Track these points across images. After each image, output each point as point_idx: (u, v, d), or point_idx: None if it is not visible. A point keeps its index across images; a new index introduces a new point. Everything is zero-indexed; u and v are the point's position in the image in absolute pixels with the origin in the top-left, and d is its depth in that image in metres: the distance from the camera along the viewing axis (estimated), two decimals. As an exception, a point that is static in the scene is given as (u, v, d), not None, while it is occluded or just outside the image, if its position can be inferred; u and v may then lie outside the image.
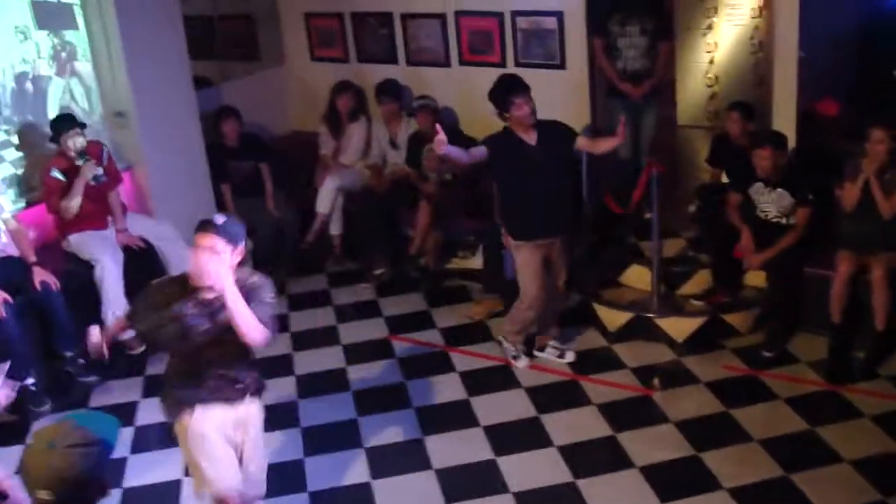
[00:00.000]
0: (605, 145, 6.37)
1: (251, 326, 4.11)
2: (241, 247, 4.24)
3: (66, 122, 6.79)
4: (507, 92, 6.27)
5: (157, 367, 6.96)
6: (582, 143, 6.37)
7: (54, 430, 2.76)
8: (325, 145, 8.63)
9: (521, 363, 6.65)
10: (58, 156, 6.78)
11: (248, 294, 4.18)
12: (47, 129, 6.85)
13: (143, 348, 6.84)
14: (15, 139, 6.99)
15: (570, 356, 6.68)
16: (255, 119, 8.80)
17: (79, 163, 6.71)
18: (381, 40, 8.96)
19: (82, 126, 6.82)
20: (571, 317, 7.03)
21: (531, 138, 6.22)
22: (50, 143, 6.80)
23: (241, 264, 4.27)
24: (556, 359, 6.67)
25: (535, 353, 6.73)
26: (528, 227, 6.28)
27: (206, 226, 4.18)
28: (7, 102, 6.90)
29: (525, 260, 6.33)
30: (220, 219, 4.23)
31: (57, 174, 6.73)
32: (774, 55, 7.29)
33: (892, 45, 8.43)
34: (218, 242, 4.12)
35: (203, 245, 4.12)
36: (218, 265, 4.09)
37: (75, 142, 6.69)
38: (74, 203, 6.73)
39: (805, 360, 6.41)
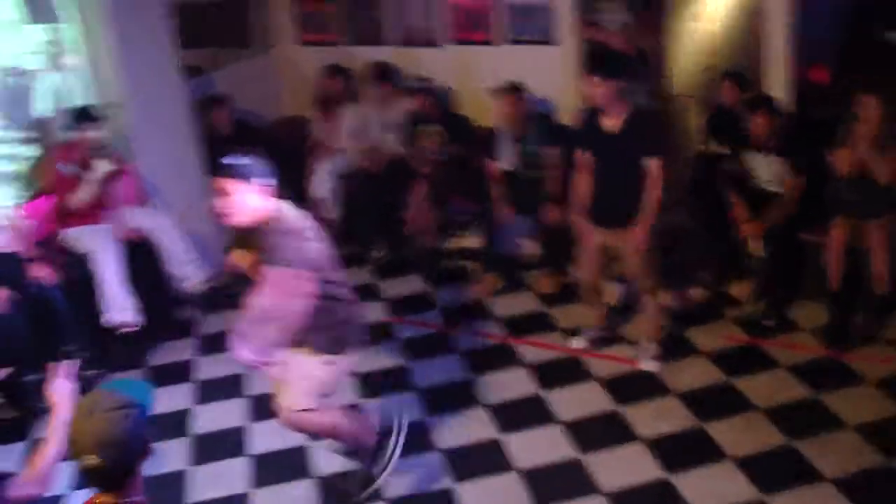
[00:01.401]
0: None
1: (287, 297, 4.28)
2: (259, 180, 4.35)
3: (85, 114, 6.80)
4: None
5: (157, 358, 7.01)
6: None
7: (91, 399, 2.84)
8: (317, 130, 8.62)
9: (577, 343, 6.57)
10: (63, 148, 6.78)
11: (270, 238, 4.30)
12: (54, 123, 6.87)
13: (139, 326, 6.84)
14: (9, 135, 6.96)
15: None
16: (246, 106, 8.78)
17: (92, 155, 6.72)
18: (370, 22, 8.92)
19: (99, 119, 6.83)
20: (576, 290, 7.01)
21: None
22: (62, 134, 6.80)
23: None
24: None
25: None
26: None
27: (216, 169, 4.36)
28: (-2, 99, 6.90)
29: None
30: (229, 160, 4.38)
31: (66, 167, 6.74)
32: (766, 23, 7.26)
33: (885, 7, 8.39)
34: (229, 183, 4.25)
35: (217, 189, 4.31)
36: (234, 205, 4.28)
37: (91, 136, 6.69)
38: (85, 195, 6.73)
39: (806, 328, 6.42)
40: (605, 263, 6.25)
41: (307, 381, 4.69)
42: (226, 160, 4.36)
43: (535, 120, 7.26)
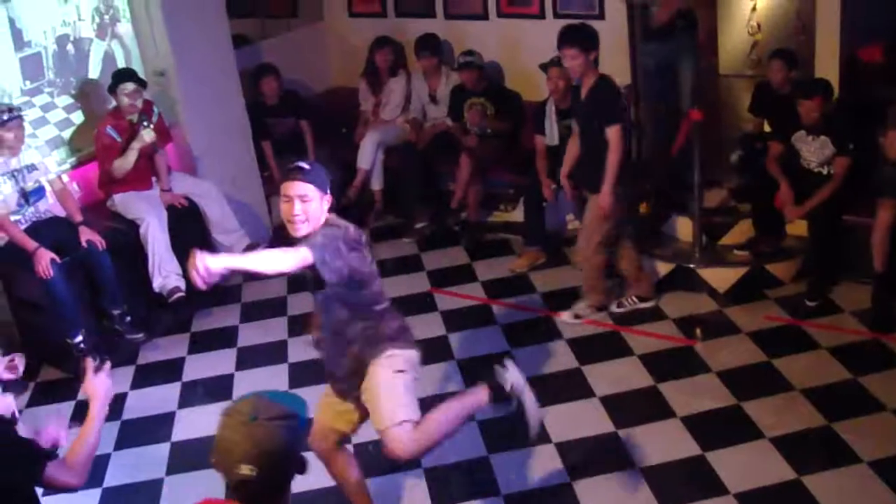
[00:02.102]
0: None
1: (274, 262, 3.91)
2: (329, 194, 4.08)
3: (124, 76, 6.85)
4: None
5: (201, 324, 7.10)
6: None
7: (253, 404, 2.64)
8: (364, 101, 8.67)
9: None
10: (112, 114, 6.86)
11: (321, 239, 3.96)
12: (103, 89, 6.95)
13: (181, 294, 6.85)
14: (59, 101, 7.05)
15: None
16: (294, 76, 8.82)
17: (137, 122, 6.81)
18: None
19: (143, 84, 6.90)
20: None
21: None
22: (109, 96, 6.89)
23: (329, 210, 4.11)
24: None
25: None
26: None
27: (294, 173, 3.98)
28: (50, 65, 6.96)
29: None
30: (306, 164, 4.04)
31: (112, 132, 6.82)
32: (817, 1, 7.17)
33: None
34: (308, 189, 3.95)
35: (292, 194, 3.94)
36: (309, 214, 3.96)
37: (135, 99, 6.77)
38: (128, 163, 6.81)
39: (848, 310, 6.37)
40: None
41: (391, 393, 4.18)
42: (304, 165, 4.03)
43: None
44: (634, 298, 6.67)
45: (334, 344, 4.26)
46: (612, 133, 6.02)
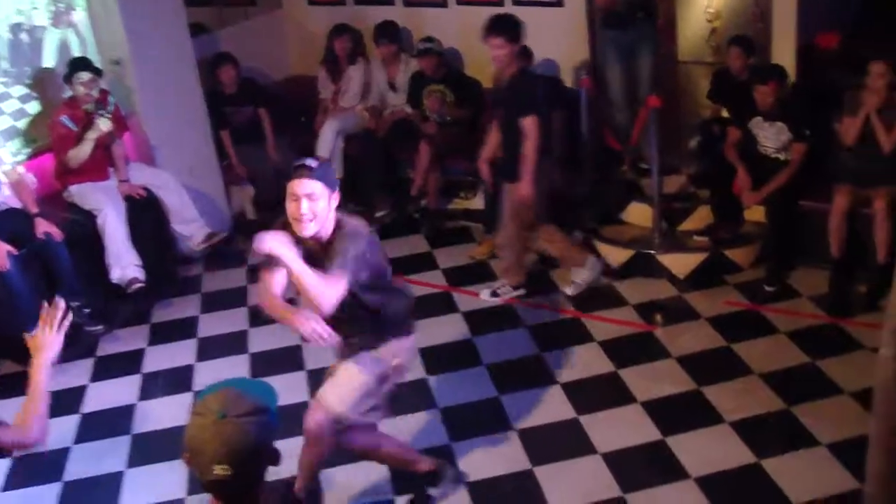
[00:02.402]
0: None
1: (320, 295, 3.86)
2: (337, 192, 4.03)
3: (80, 65, 6.78)
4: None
5: (160, 315, 7.05)
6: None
7: (221, 400, 2.54)
8: (324, 89, 8.62)
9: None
10: (67, 104, 6.79)
11: (335, 245, 3.97)
12: (59, 78, 6.88)
13: (139, 285, 6.84)
14: (14, 91, 6.96)
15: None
16: (253, 64, 8.76)
17: (93, 111, 6.74)
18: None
19: (99, 73, 6.82)
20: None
21: None
22: (65, 86, 6.82)
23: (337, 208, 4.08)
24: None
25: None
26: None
27: (301, 171, 3.92)
28: (3, 54, 6.88)
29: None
30: (313, 162, 3.98)
31: (67, 122, 6.74)
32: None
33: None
34: (316, 187, 3.89)
35: (300, 193, 3.89)
36: (317, 213, 3.91)
37: (90, 88, 6.70)
38: (84, 153, 6.74)
39: (806, 294, 6.44)
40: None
41: (349, 387, 4.33)
42: (311, 163, 3.96)
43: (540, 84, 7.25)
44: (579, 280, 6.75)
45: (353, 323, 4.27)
46: (528, 123, 6.12)
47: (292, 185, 3.92)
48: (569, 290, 6.72)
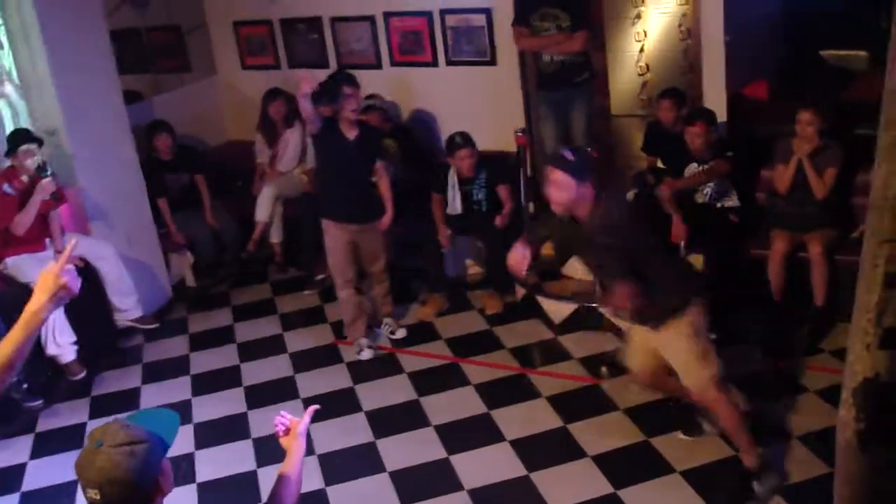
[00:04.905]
0: None
1: None
2: (589, 182, 4.57)
3: (22, 136, 6.74)
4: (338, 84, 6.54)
5: (101, 387, 6.92)
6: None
7: (102, 430, 2.66)
8: (260, 153, 8.60)
9: (366, 355, 6.92)
10: (5, 173, 6.71)
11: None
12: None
13: (83, 374, 6.78)
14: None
15: (401, 333, 7.14)
16: (189, 131, 8.74)
17: (35, 175, 6.68)
18: (311, 45, 8.94)
19: (40, 143, 6.75)
20: (520, 310, 7.12)
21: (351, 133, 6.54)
22: (4, 158, 6.75)
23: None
24: (388, 335, 7.12)
25: (375, 328, 7.19)
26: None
27: (555, 161, 4.68)
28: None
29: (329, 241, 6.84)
30: (568, 154, 4.65)
31: (9, 190, 6.66)
32: (702, 41, 7.36)
33: (819, 24, 8.57)
34: (561, 176, 4.55)
35: (550, 178, 4.63)
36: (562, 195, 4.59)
37: (32, 157, 6.64)
38: (29, 217, 6.66)
39: (750, 339, 6.49)
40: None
41: (689, 347, 4.87)
42: (568, 155, 4.63)
43: (484, 167, 7.33)
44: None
45: None
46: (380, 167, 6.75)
47: (548, 172, 4.70)
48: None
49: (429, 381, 6.53)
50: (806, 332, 6.35)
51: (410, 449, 5.79)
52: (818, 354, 6.23)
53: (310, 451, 5.81)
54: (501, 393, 6.28)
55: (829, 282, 6.19)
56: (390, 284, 7.13)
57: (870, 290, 2.35)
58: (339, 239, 6.74)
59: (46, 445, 6.36)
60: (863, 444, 2.47)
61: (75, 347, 6.73)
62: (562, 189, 4.59)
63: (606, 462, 5.43)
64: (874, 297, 2.34)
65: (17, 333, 2.97)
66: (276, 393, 6.61)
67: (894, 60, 2.16)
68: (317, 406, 3.44)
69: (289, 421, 3.29)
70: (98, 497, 2.59)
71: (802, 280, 6.31)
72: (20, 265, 6.74)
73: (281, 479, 3.17)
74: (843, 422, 2.52)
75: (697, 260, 6.75)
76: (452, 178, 7.34)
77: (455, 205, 7.39)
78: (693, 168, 6.70)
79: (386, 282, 7.09)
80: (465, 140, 7.20)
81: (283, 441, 3.29)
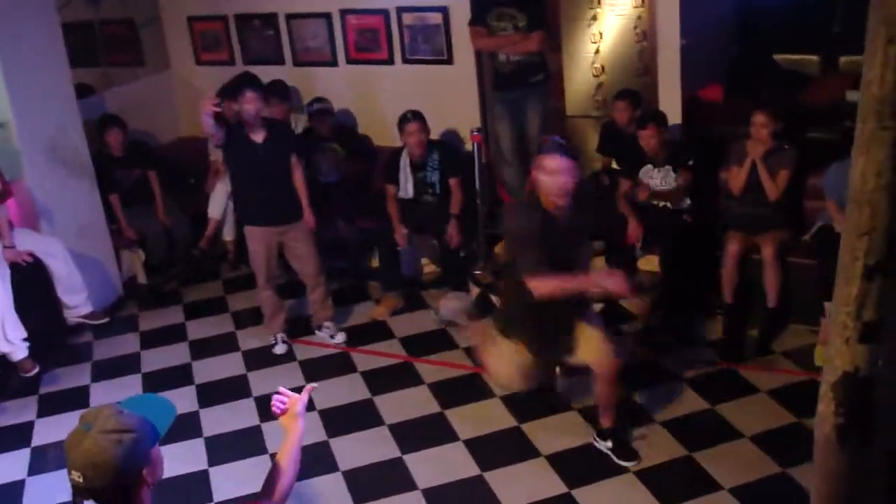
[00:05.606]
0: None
1: None
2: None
3: None
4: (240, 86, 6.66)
5: (50, 385, 6.82)
6: None
7: (95, 413, 2.67)
8: (214, 150, 8.51)
9: (279, 349, 6.98)
10: None
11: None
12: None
13: (36, 370, 6.68)
14: None
15: (340, 337, 7.08)
16: (141, 126, 8.64)
17: None
18: (266, 41, 8.87)
19: None
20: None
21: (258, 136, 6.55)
22: None
23: None
24: (329, 339, 7.07)
25: (315, 331, 7.15)
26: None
27: (556, 148, 4.80)
28: None
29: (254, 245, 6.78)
30: (560, 139, 4.93)
31: None
32: (657, 43, 7.40)
33: (772, 28, 8.65)
34: (567, 161, 4.75)
35: (555, 167, 4.74)
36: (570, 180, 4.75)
37: None
38: None
39: (702, 341, 6.53)
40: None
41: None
42: (555, 139, 4.88)
43: (436, 148, 7.30)
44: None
45: None
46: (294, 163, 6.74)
47: (547, 162, 4.83)
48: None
49: (382, 381, 6.50)
50: (757, 333, 6.40)
51: (364, 448, 5.77)
52: (769, 355, 6.29)
53: (262, 450, 5.79)
54: (455, 392, 6.27)
55: (781, 283, 6.25)
56: (326, 289, 7.06)
57: (849, 283, 2.35)
58: (262, 243, 6.69)
59: (-7, 444, 6.27)
60: (842, 439, 2.48)
61: (27, 344, 6.61)
62: (570, 174, 4.76)
63: (560, 461, 5.44)
64: (853, 291, 2.34)
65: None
66: (227, 391, 6.55)
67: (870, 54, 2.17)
68: (314, 384, 3.43)
69: (288, 399, 3.23)
70: (81, 480, 2.60)
71: (754, 282, 6.36)
72: (-34, 261, 6.63)
73: (276, 468, 3.15)
74: (821, 417, 2.52)
75: (652, 261, 6.80)
76: (404, 161, 7.30)
77: (407, 188, 7.34)
78: (649, 169, 6.72)
79: (322, 286, 7.00)
80: (414, 115, 7.15)
81: (283, 421, 3.24)
